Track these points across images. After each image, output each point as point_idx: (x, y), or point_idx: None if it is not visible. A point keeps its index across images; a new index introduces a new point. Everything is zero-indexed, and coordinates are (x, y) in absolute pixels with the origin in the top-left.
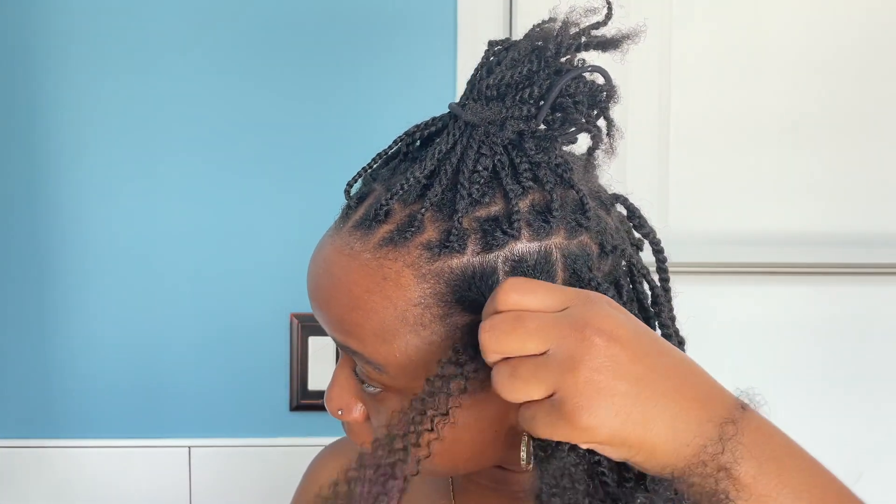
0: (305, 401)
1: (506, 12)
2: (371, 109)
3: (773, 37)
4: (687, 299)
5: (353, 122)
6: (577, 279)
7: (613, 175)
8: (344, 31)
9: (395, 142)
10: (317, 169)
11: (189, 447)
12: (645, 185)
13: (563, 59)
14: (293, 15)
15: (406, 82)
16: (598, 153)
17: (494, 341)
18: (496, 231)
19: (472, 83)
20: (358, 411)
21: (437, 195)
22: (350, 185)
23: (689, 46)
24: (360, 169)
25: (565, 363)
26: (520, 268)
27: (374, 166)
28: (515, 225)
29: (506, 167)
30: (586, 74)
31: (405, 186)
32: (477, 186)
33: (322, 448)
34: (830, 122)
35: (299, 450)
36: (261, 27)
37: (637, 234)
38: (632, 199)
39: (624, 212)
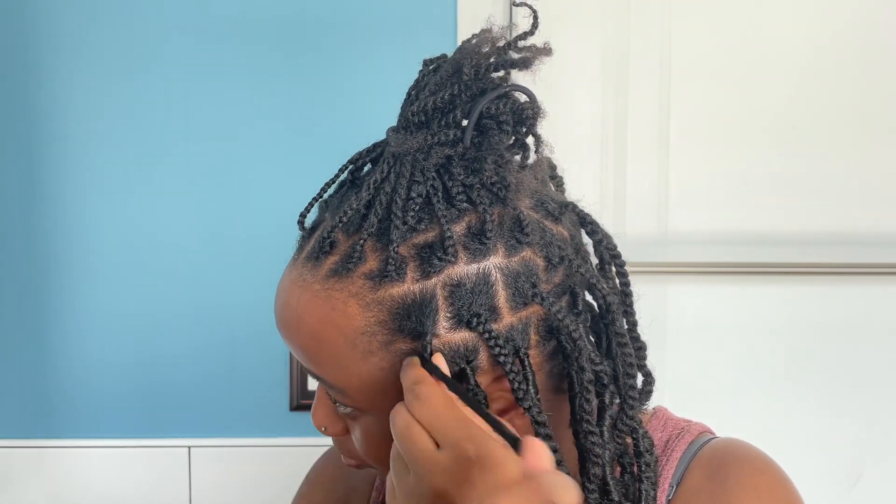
0: (305, 401)
1: (506, 12)
2: (372, 110)
3: (773, 37)
4: (686, 299)
5: (353, 122)
6: (520, 296)
7: (613, 176)
8: (344, 32)
9: (341, 169)
10: (317, 169)
11: (189, 447)
12: (645, 185)
13: (484, 80)
14: (293, 15)
15: (406, 83)
16: (552, 162)
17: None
18: (432, 257)
19: (402, 109)
20: (339, 427)
21: (373, 225)
22: (303, 215)
23: (689, 46)
24: (311, 198)
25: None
26: (458, 292)
27: (325, 194)
28: (450, 249)
29: (438, 192)
30: (513, 92)
31: (345, 218)
32: (412, 213)
33: (325, 449)
34: (830, 123)
35: (299, 450)
36: (260, 28)
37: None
38: (582, 206)
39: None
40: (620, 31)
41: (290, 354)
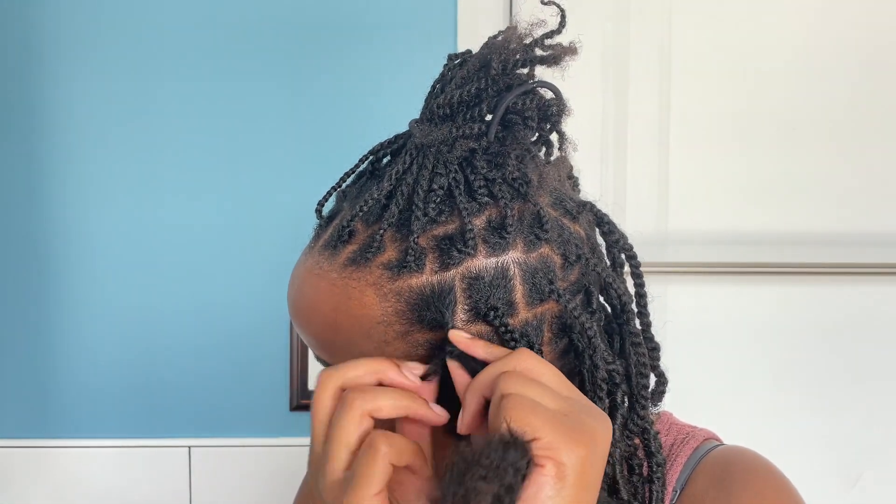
0: (305, 401)
1: (506, 12)
2: (372, 110)
3: (774, 37)
4: (686, 299)
5: (353, 122)
6: (537, 292)
7: (613, 176)
8: (344, 32)
9: (361, 159)
10: (316, 169)
11: (189, 447)
12: (645, 185)
13: (511, 75)
14: (293, 15)
15: (406, 82)
16: (570, 163)
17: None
18: (452, 249)
19: (427, 101)
20: None
21: (394, 215)
22: (321, 204)
23: (689, 46)
24: (330, 188)
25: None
26: (476, 285)
27: (344, 184)
28: (470, 242)
29: (460, 185)
30: (539, 89)
31: (365, 207)
32: (433, 205)
33: None
34: (830, 123)
35: (299, 450)
36: (260, 28)
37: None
38: (600, 206)
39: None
40: (620, 31)
41: (291, 355)
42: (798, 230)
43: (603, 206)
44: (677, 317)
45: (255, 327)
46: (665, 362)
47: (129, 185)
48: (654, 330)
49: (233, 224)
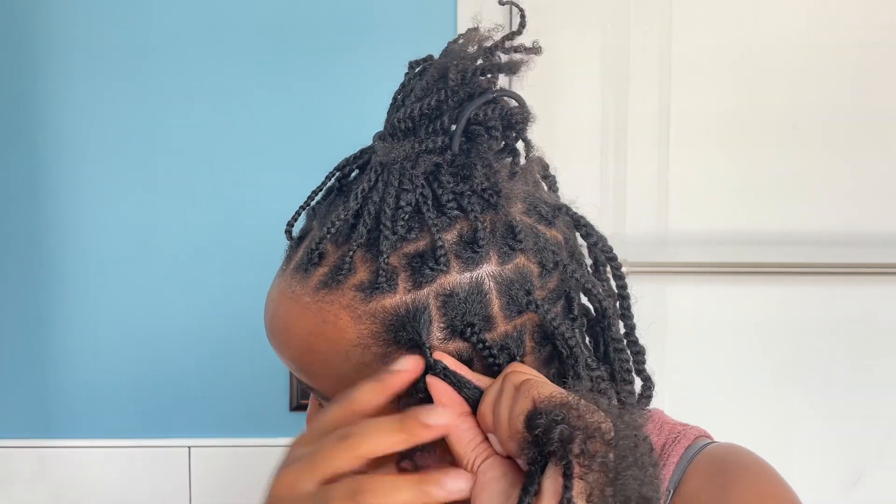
0: (305, 401)
1: (505, 13)
2: (371, 110)
3: (774, 37)
4: (686, 299)
5: (353, 122)
6: (515, 304)
7: (613, 176)
8: (344, 33)
9: (327, 176)
10: (316, 169)
11: (189, 447)
12: (645, 185)
13: (471, 84)
14: (292, 16)
15: None
16: (544, 161)
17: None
18: (423, 267)
19: (388, 115)
20: None
21: (362, 235)
22: (290, 224)
23: (689, 46)
24: (298, 207)
25: None
26: (451, 302)
27: (312, 202)
28: (442, 259)
29: (428, 201)
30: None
31: (333, 228)
32: (401, 223)
33: None
34: (830, 122)
35: None
36: (260, 28)
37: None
38: (576, 208)
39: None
40: (620, 31)
41: None
42: (798, 230)
43: (579, 208)
44: (677, 317)
45: (256, 327)
46: (665, 362)
47: (128, 185)
48: (638, 332)
49: (233, 224)
